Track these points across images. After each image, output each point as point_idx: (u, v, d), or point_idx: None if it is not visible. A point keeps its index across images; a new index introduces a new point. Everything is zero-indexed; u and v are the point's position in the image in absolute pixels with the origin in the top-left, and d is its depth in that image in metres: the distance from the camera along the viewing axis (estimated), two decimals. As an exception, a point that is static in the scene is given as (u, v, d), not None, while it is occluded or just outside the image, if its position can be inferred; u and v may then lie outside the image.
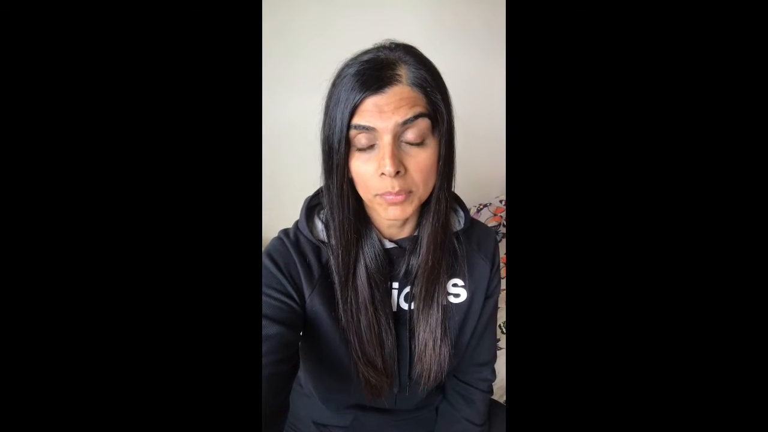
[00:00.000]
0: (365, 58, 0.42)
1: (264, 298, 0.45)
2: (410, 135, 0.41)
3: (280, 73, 1.08)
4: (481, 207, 1.40)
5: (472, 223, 0.55)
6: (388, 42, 0.44)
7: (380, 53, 0.42)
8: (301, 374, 0.60)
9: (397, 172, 0.40)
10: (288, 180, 1.06)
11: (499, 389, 0.85)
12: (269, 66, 0.95)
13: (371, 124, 0.40)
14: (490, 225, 1.21)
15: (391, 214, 0.43)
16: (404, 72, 0.41)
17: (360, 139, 0.41)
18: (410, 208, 0.44)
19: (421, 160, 0.42)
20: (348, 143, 0.42)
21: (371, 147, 0.42)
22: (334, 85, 0.43)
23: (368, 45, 0.45)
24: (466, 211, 0.55)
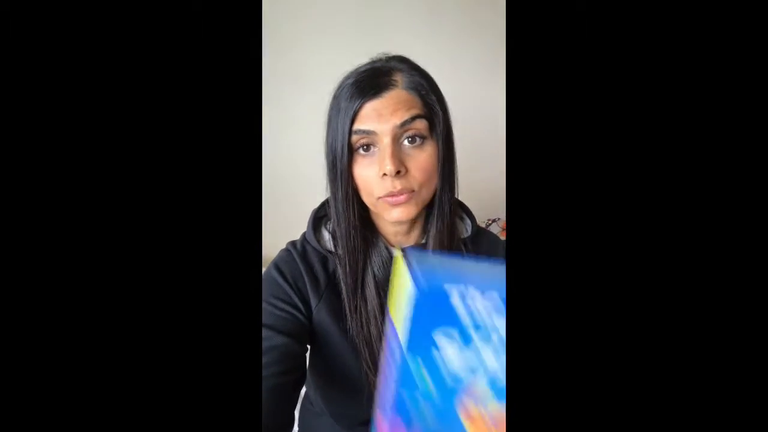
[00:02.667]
0: (362, 69, 0.45)
1: (270, 308, 0.45)
2: (409, 136, 0.42)
3: (282, 90, 1.11)
4: (490, 222, 1.39)
5: (479, 231, 0.55)
6: (383, 54, 0.47)
7: (376, 64, 0.45)
8: (311, 392, 0.59)
9: (398, 172, 0.41)
10: (288, 191, 1.08)
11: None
12: (270, 75, 0.98)
13: (371, 128, 0.41)
14: (499, 239, 1.20)
15: (395, 216, 0.44)
16: (399, 77, 0.43)
17: (361, 143, 0.43)
18: (414, 209, 0.44)
19: (422, 161, 0.43)
20: (350, 149, 0.43)
21: (372, 150, 0.43)
22: (335, 97, 0.45)
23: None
24: (472, 218, 0.55)
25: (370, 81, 0.42)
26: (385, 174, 0.41)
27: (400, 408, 0.32)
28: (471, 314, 0.27)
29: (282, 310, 0.45)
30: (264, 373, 0.40)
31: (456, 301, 0.27)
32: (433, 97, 0.44)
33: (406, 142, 0.42)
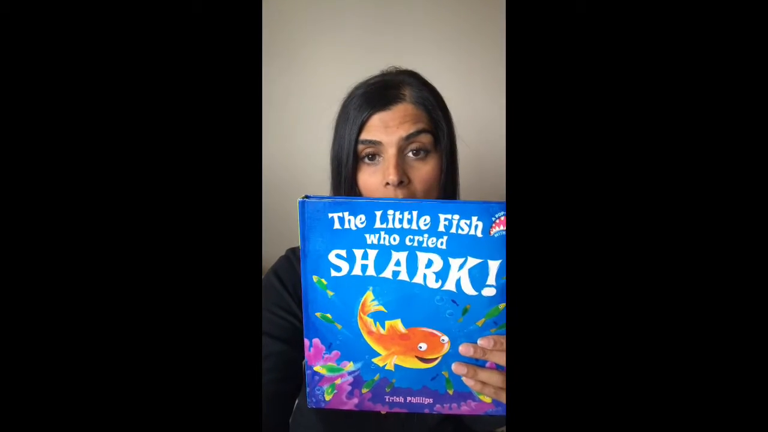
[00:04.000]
0: (372, 81, 0.46)
1: (268, 315, 0.45)
2: (413, 149, 0.43)
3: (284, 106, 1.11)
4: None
5: None
6: (393, 68, 0.49)
7: (386, 76, 0.47)
8: (304, 403, 0.58)
9: (401, 182, 0.42)
10: (289, 196, 1.07)
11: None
12: (270, 75, 0.99)
13: (377, 138, 0.43)
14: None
15: None
16: (408, 92, 0.44)
17: (367, 152, 0.44)
18: None
19: (425, 173, 0.44)
20: (356, 157, 0.44)
21: (377, 160, 0.44)
22: (344, 105, 0.47)
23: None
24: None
25: (380, 93, 0.44)
26: (387, 183, 0.42)
27: (318, 331, 0.35)
28: (351, 234, 0.32)
29: (280, 317, 0.46)
30: (262, 379, 0.40)
31: (337, 225, 0.32)
32: (440, 113, 0.45)
33: (410, 154, 0.44)
